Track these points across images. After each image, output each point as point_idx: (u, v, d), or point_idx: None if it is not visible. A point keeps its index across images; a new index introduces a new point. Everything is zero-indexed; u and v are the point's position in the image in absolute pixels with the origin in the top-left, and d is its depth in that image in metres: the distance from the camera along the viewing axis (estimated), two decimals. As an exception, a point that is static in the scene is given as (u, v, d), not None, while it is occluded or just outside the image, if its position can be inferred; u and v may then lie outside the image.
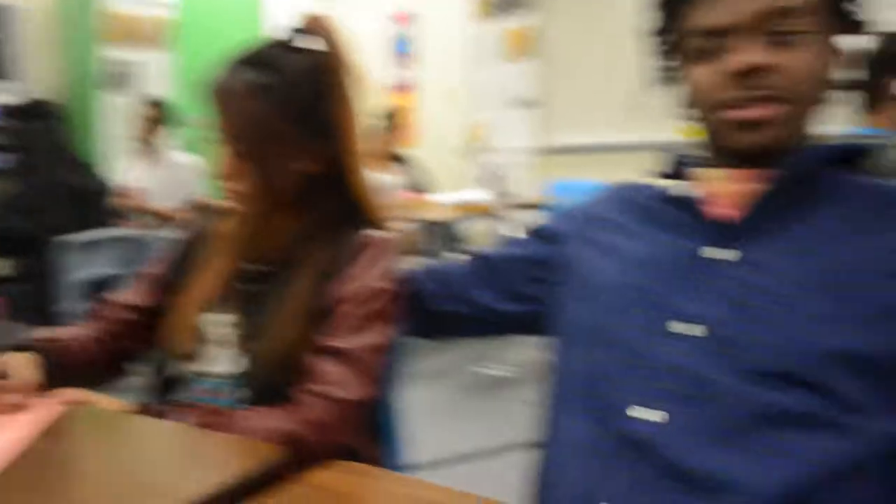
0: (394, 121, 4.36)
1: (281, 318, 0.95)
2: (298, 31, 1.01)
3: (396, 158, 4.50)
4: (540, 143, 4.77)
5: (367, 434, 1.03)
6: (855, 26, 0.84)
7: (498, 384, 3.30)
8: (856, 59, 1.96)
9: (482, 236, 4.73)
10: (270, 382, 0.94)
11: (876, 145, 1.74)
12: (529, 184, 4.76)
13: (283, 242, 1.02)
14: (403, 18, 5.56)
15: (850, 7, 0.81)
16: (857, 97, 1.98)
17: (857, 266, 0.74)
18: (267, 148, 0.97)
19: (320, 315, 0.95)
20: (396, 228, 1.06)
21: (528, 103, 4.79)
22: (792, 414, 0.70)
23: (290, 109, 0.97)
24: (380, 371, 0.95)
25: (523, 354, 3.33)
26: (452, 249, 3.83)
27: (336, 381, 0.91)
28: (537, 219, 1.06)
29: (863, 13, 0.83)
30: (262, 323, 0.97)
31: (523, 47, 4.79)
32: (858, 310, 0.72)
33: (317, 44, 1.00)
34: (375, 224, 1.02)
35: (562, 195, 4.11)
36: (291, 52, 0.99)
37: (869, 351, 0.70)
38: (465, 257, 1.07)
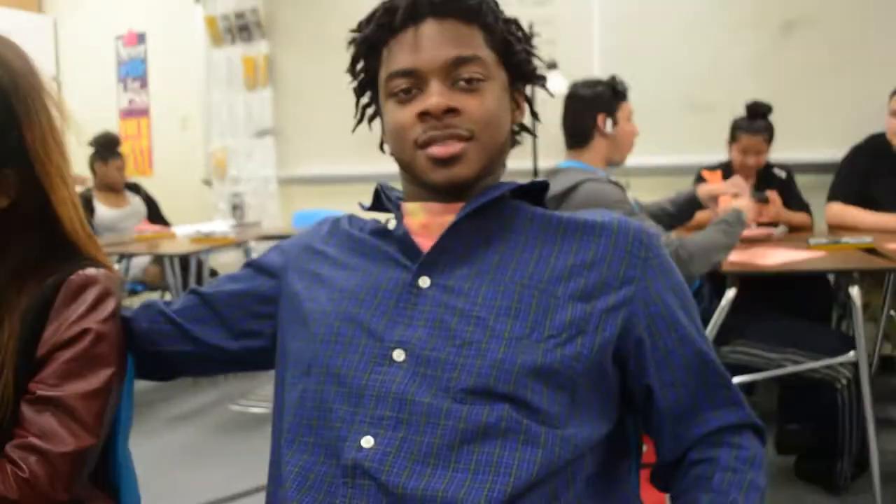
0: (117, 148, 4.01)
1: None
2: None
3: (129, 188, 4.21)
4: (281, 173, 4.74)
5: (98, 485, 0.96)
6: (530, 77, 0.97)
7: (258, 421, 3.22)
8: (567, 102, 2.24)
9: (225, 268, 4.59)
10: None
11: (573, 185, 2.00)
12: (274, 214, 4.72)
13: None
14: (132, 39, 5.26)
15: (522, 61, 0.94)
16: (568, 136, 2.25)
17: (541, 288, 0.83)
18: None
19: (32, 363, 0.87)
20: (111, 265, 1.00)
21: (266, 132, 4.74)
22: (493, 429, 0.76)
23: None
24: (99, 418, 0.88)
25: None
26: (196, 283, 3.68)
27: (46, 433, 0.83)
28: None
29: (535, 66, 0.97)
30: None
31: (257, 75, 4.73)
32: (545, 330, 0.80)
33: None
34: (89, 261, 0.95)
35: (301, 225, 4.14)
36: None
37: (556, 366, 0.79)
38: (188, 294, 1.05)
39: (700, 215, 3.11)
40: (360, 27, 0.94)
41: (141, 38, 5.24)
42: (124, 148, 5.20)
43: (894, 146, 2.85)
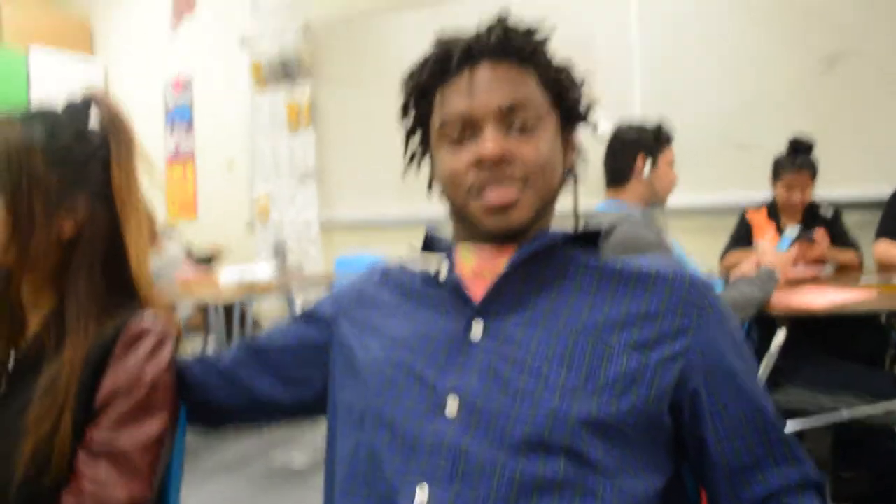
0: None
1: (36, 414, 0.87)
2: (79, 101, 0.99)
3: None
4: (324, 217, 4.78)
5: None
6: (580, 118, 0.97)
7: (300, 472, 3.20)
8: (610, 143, 2.25)
9: (269, 313, 4.62)
10: (29, 487, 0.85)
11: (610, 227, 2.01)
12: (316, 258, 4.76)
13: (40, 323, 0.95)
14: (179, 85, 5.41)
15: (576, 106, 0.95)
16: (608, 175, 2.26)
17: (595, 337, 0.82)
18: (27, 197, 0.91)
19: (90, 410, 0.88)
20: (171, 311, 1.02)
21: (309, 176, 4.81)
22: (549, 482, 0.74)
23: (60, 163, 0.93)
24: (152, 467, 0.90)
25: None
26: (239, 329, 3.71)
27: (102, 482, 0.85)
28: (320, 295, 1.09)
29: (589, 112, 0.98)
30: (11, 420, 0.88)
31: (300, 119, 4.81)
32: (600, 380, 0.79)
33: (98, 113, 0.98)
34: (148, 306, 0.98)
35: (343, 270, 4.16)
36: (71, 116, 0.97)
37: (611, 418, 0.77)
38: (239, 346, 1.06)
39: (733, 256, 3.08)
40: (413, 71, 0.95)
41: (188, 84, 5.39)
42: (170, 192, 5.34)
43: None
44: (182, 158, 5.41)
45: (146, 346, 0.93)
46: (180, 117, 5.42)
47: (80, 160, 0.95)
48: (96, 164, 0.96)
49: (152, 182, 1.03)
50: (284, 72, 4.83)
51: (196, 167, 5.36)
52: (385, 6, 4.51)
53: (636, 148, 2.20)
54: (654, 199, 2.23)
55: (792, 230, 2.51)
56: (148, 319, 0.95)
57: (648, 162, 2.18)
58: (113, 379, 0.90)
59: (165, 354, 0.95)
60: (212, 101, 5.29)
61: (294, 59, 4.78)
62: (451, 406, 0.80)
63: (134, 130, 1.00)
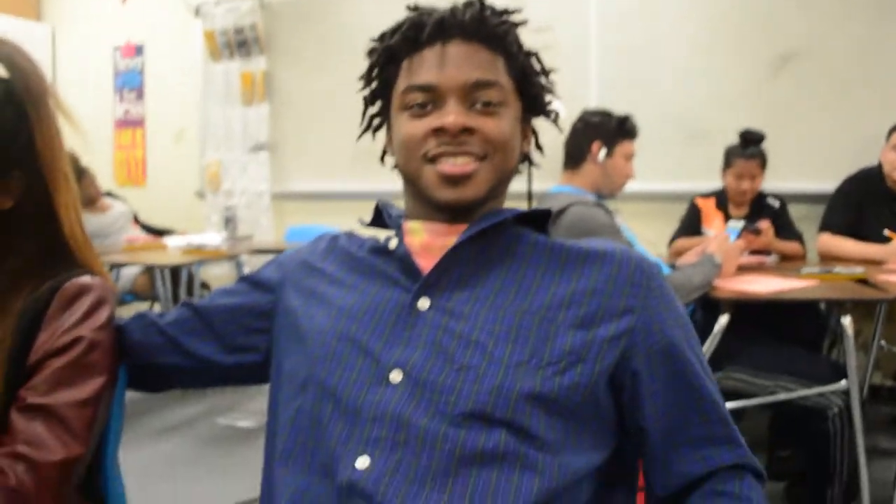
0: (80, 167, 3.79)
1: None
2: None
3: (106, 195, 4.19)
4: (275, 188, 4.72)
5: (86, 496, 0.95)
6: (541, 109, 0.99)
7: (245, 435, 3.18)
8: (572, 128, 2.27)
9: (217, 281, 4.56)
10: None
11: (563, 207, 2.02)
12: (267, 228, 4.71)
13: None
14: (130, 51, 5.26)
15: (538, 93, 0.96)
16: (565, 156, 2.28)
17: (541, 315, 0.82)
18: None
19: (23, 370, 0.86)
20: (107, 272, 0.99)
21: (261, 147, 4.73)
22: (490, 454, 0.74)
23: None
24: (87, 427, 0.87)
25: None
26: (186, 295, 3.65)
27: (35, 441, 0.82)
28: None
29: (548, 100, 0.99)
30: None
31: (254, 91, 4.72)
32: (545, 356, 0.79)
33: (4, 69, 0.92)
34: (85, 268, 0.95)
35: (293, 241, 4.12)
36: None
37: (554, 394, 0.78)
38: (181, 307, 1.03)
39: (680, 242, 3.14)
40: (383, 37, 0.94)
41: (139, 50, 5.24)
42: (118, 157, 5.21)
43: (893, 179, 2.87)
44: (131, 124, 5.28)
45: (83, 306, 0.91)
46: (130, 83, 5.28)
47: (7, 140, 0.91)
48: (21, 134, 0.92)
49: (74, 130, 0.98)
50: (239, 43, 4.72)
51: (146, 134, 5.23)
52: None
53: (594, 133, 2.22)
54: (606, 189, 2.26)
55: (736, 222, 2.57)
56: (85, 280, 0.93)
57: (604, 150, 2.20)
58: (47, 338, 0.88)
59: (103, 314, 0.93)
60: (163, 69, 5.15)
61: (249, 31, 4.68)
62: (395, 377, 0.80)
63: (41, 75, 0.94)
